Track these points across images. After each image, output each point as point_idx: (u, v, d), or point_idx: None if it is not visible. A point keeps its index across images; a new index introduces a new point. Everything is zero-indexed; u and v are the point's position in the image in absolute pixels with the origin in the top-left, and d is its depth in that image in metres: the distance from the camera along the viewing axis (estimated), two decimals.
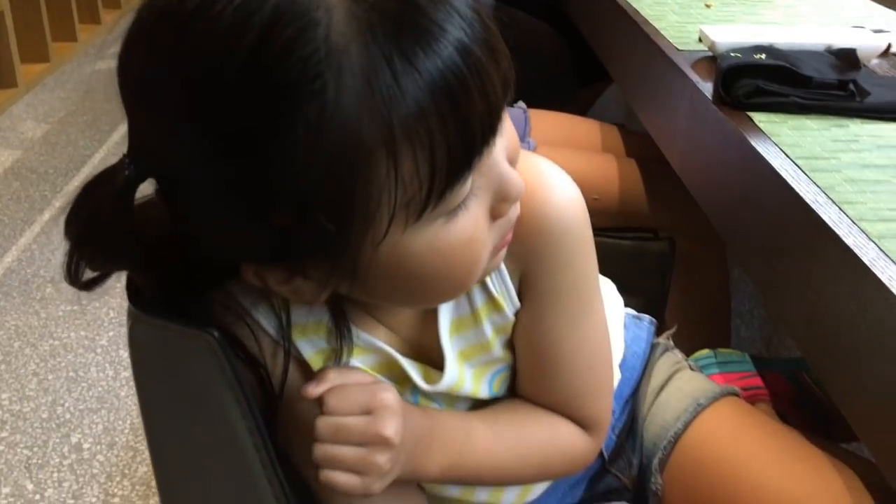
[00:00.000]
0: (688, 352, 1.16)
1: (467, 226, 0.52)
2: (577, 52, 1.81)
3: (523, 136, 1.41)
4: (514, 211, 0.58)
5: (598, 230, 1.27)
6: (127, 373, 1.99)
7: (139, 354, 0.54)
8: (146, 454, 1.71)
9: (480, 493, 0.71)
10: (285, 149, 0.45)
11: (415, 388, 0.66)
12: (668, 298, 1.23)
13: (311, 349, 0.63)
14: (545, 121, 1.50)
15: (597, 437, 0.71)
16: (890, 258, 0.65)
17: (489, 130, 0.49)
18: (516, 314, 0.67)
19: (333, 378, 0.58)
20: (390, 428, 0.57)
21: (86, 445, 1.74)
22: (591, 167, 1.38)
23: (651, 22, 1.28)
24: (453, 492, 0.70)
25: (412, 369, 0.65)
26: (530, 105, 1.50)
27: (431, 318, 0.66)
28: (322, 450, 0.56)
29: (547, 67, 1.88)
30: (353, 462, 0.56)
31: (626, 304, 0.96)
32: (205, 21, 0.45)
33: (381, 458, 0.57)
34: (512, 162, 0.56)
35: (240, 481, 0.55)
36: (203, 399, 0.52)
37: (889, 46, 1.11)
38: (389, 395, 0.59)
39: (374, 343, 0.64)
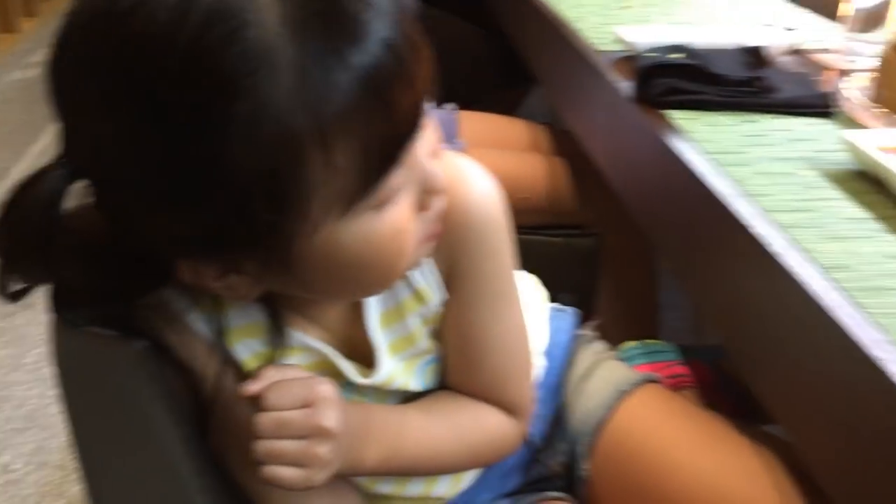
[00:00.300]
0: (618, 343, 1.20)
1: (396, 218, 0.55)
2: (503, 53, 1.84)
3: (453, 137, 1.43)
4: (440, 204, 0.60)
5: (528, 228, 1.29)
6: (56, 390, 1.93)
7: (65, 367, 0.53)
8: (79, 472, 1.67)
9: (413, 487, 0.72)
10: (220, 143, 0.46)
11: (348, 385, 0.67)
12: (598, 292, 1.26)
13: (247, 352, 0.63)
14: (475, 122, 1.52)
15: (522, 422, 0.73)
16: (799, 247, 0.68)
17: (416, 125, 0.52)
18: (444, 304, 0.69)
19: (271, 375, 0.59)
20: (330, 419, 0.58)
21: (16, 466, 1.69)
22: (521, 167, 1.40)
23: (571, 23, 1.31)
24: (386, 488, 0.71)
25: (346, 365, 0.66)
26: (457, 106, 1.52)
27: (360, 313, 0.67)
28: (264, 446, 0.57)
29: (473, 68, 1.90)
30: (295, 455, 0.57)
31: (558, 299, 0.98)
32: (139, 21, 0.46)
33: (323, 449, 0.58)
34: (434, 157, 0.58)
35: (172, 493, 0.55)
36: (133, 410, 0.52)
37: (796, 44, 1.16)
38: (327, 387, 0.60)
39: (307, 342, 0.65)
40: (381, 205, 0.54)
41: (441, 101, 1.47)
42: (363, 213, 0.53)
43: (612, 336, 1.28)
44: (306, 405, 0.58)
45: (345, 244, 0.54)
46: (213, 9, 0.45)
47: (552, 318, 0.89)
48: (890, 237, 0.69)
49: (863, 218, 0.72)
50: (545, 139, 1.53)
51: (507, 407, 0.72)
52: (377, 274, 0.58)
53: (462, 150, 1.38)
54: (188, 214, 0.50)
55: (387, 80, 0.49)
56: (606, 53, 1.16)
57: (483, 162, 1.51)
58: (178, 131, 0.47)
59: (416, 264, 0.63)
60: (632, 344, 1.06)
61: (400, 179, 0.54)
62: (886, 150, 0.79)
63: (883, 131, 0.84)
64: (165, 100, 0.46)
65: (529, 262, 0.82)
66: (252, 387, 0.57)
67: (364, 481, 0.69)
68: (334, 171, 0.49)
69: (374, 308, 0.67)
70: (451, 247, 0.66)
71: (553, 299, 1.05)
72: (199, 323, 0.61)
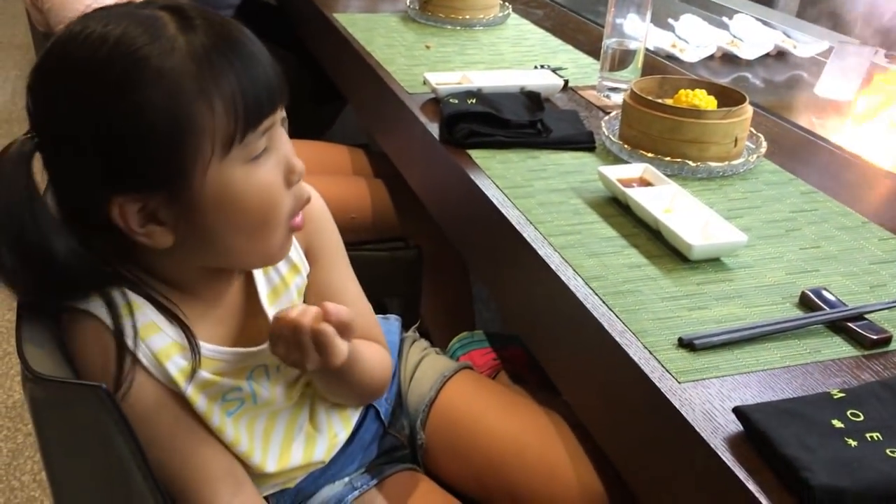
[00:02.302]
0: (443, 337, 1.43)
1: (266, 174, 0.75)
2: (315, 74, 2.02)
3: None
4: (303, 191, 0.80)
5: (357, 245, 1.50)
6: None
7: (38, 412, 0.67)
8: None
9: (296, 454, 0.90)
10: (139, 100, 0.69)
11: (265, 371, 0.85)
12: (421, 296, 1.48)
13: (175, 369, 0.79)
14: (299, 149, 1.69)
15: (388, 355, 0.99)
16: (569, 264, 0.93)
17: (272, 100, 0.74)
18: (308, 276, 0.92)
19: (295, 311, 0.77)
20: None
21: None
22: (346, 190, 1.59)
23: (384, 65, 1.51)
24: (272, 466, 0.87)
25: (257, 355, 0.84)
26: None
27: (253, 296, 0.86)
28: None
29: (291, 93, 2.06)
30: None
31: (388, 306, 1.20)
32: (87, 44, 0.71)
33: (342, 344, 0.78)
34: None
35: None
36: (98, 444, 0.66)
37: (566, 83, 1.44)
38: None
39: (218, 350, 0.82)
40: (255, 160, 0.74)
41: None
42: (241, 164, 0.73)
43: (436, 330, 1.51)
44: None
45: (230, 187, 0.73)
46: (130, 25, 0.72)
47: (382, 325, 1.11)
48: (630, 250, 0.96)
49: (613, 237, 0.98)
50: (363, 162, 1.73)
51: (381, 343, 0.97)
52: (259, 220, 0.76)
53: None
54: (118, 154, 0.70)
55: (252, 64, 0.73)
56: (416, 96, 1.38)
57: (314, 186, 1.70)
58: (106, 96, 0.69)
59: (288, 247, 0.82)
60: (463, 335, 1.29)
61: (268, 146, 0.75)
62: (624, 181, 1.06)
63: (624, 166, 1.10)
64: (97, 82, 0.70)
65: (360, 274, 1.01)
66: (291, 314, 0.76)
67: (254, 463, 0.87)
68: (216, 119, 0.70)
69: (263, 287, 0.87)
70: (308, 232, 0.90)
71: (383, 305, 1.26)
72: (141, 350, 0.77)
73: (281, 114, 0.77)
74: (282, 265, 0.90)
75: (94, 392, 0.63)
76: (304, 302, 0.93)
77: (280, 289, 0.89)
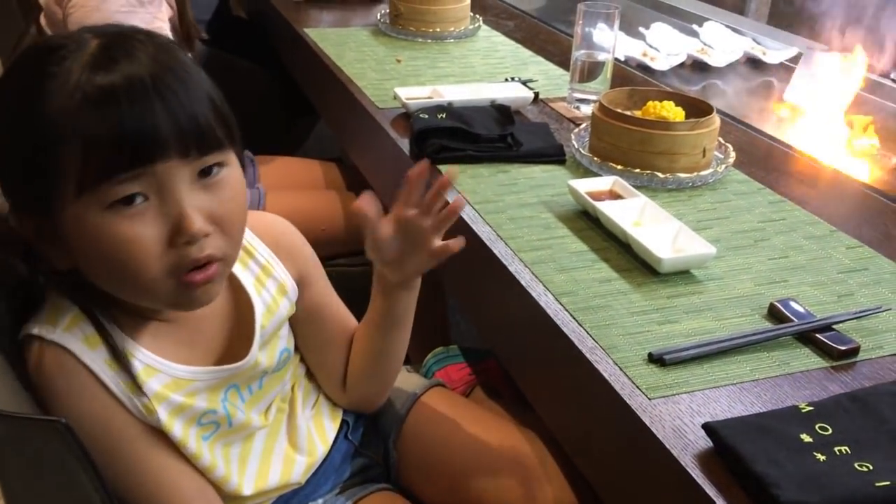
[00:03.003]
0: (415, 353, 1.42)
1: (130, 230, 0.70)
2: (287, 88, 2.01)
3: (252, 183, 1.58)
4: (195, 252, 0.72)
5: (329, 259, 1.49)
6: None
7: None
8: None
9: (273, 475, 0.89)
10: (18, 115, 0.71)
11: (237, 392, 0.85)
12: None
13: (149, 394, 0.78)
14: (271, 166, 1.68)
15: None
16: (539, 280, 0.92)
17: (156, 152, 0.69)
18: (302, 300, 0.93)
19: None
20: None
21: None
22: (317, 204, 1.59)
23: (354, 80, 1.51)
24: (249, 489, 0.87)
25: (233, 371, 0.84)
26: (252, 144, 1.67)
27: (245, 314, 0.86)
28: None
29: (260, 107, 2.06)
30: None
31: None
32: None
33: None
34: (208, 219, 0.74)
35: None
36: (60, 478, 0.65)
37: (537, 95, 1.44)
38: None
39: (190, 370, 0.81)
40: (118, 210, 0.69)
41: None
42: (101, 210, 0.69)
43: (414, 346, 1.50)
44: None
45: (86, 231, 0.70)
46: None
47: None
48: (601, 265, 0.96)
49: (583, 251, 0.98)
50: (335, 176, 1.72)
51: None
52: (120, 274, 0.72)
53: (262, 195, 1.55)
54: (4, 169, 0.73)
55: (123, 103, 0.68)
56: (387, 111, 1.38)
57: (283, 203, 1.69)
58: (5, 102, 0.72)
59: (197, 298, 0.75)
60: (439, 350, 1.28)
61: (129, 190, 0.69)
62: (594, 194, 1.06)
63: (593, 179, 1.10)
64: None
65: (336, 289, 1.01)
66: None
67: (230, 488, 0.86)
68: (67, 157, 0.68)
69: (259, 307, 0.87)
70: (297, 260, 0.93)
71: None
72: (104, 373, 0.75)
73: (188, 167, 0.71)
74: (270, 284, 0.89)
75: (53, 427, 0.62)
76: (297, 323, 0.94)
77: (273, 307, 0.89)
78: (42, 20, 1.46)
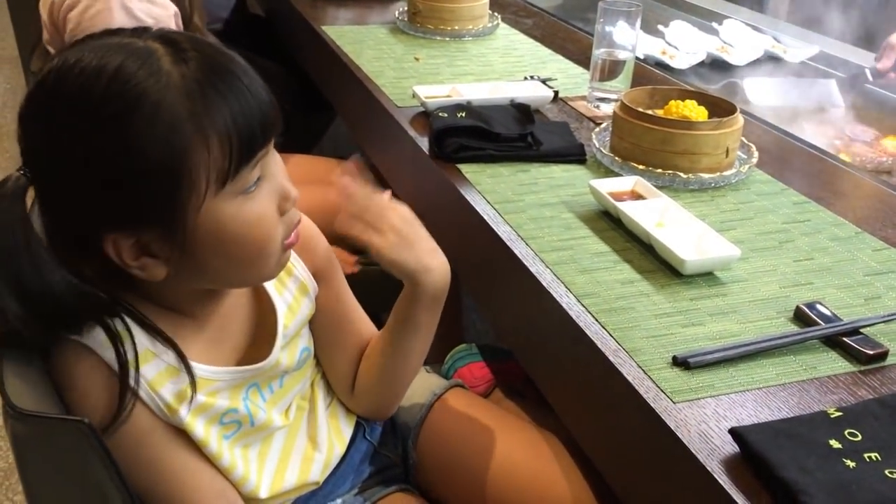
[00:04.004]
0: (432, 352, 1.41)
1: (259, 207, 0.75)
2: (304, 86, 2.01)
3: None
4: (295, 215, 0.80)
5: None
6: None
7: (20, 448, 0.66)
8: None
9: (290, 475, 0.89)
10: (134, 141, 0.69)
11: (258, 391, 0.85)
12: None
13: (170, 395, 0.78)
14: (289, 164, 1.68)
15: None
16: (561, 280, 0.92)
17: (266, 131, 0.74)
18: (317, 297, 0.93)
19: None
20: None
21: None
22: (335, 199, 1.58)
23: (372, 79, 1.50)
24: (265, 492, 0.87)
25: (255, 372, 0.84)
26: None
27: (268, 314, 0.86)
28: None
29: (279, 104, 2.05)
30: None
31: (381, 320, 1.18)
32: (83, 77, 0.69)
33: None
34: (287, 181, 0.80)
35: None
36: (81, 477, 0.65)
37: (556, 94, 1.43)
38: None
39: (212, 370, 0.81)
40: (247, 194, 0.74)
41: None
42: (235, 198, 0.73)
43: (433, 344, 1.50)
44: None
45: (223, 221, 0.73)
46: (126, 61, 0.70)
47: None
48: (623, 266, 0.95)
49: (605, 252, 0.97)
50: (358, 172, 1.72)
51: None
52: (253, 252, 0.76)
53: None
54: (112, 191, 0.70)
55: (245, 100, 0.72)
56: (405, 110, 1.37)
57: (307, 198, 1.70)
58: (106, 135, 0.69)
59: (284, 263, 0.82)
60: (451, 354, 1.27)
61: (261, 178, 0.75)
62: (615, 195, 1.05)
63: (615, 179, 1.10)
64: (96, 119, 0.69)
65: (354, 289, 1.01)
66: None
67: (248, 489, 0.86)
68: (211, 156, 0.70)
69: (281, 307, 0.87)
70: (314, 257, 0.93)
71: (375, 320, 1.24)
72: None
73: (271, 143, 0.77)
74: (291, 284, 0.90)
75: (77, 427, 0.62)
76: (318, 323, 0.95)
77: (294, 307, 0.90)
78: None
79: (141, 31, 0.74)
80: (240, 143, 0.71)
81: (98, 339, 0.74)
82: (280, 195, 0.77)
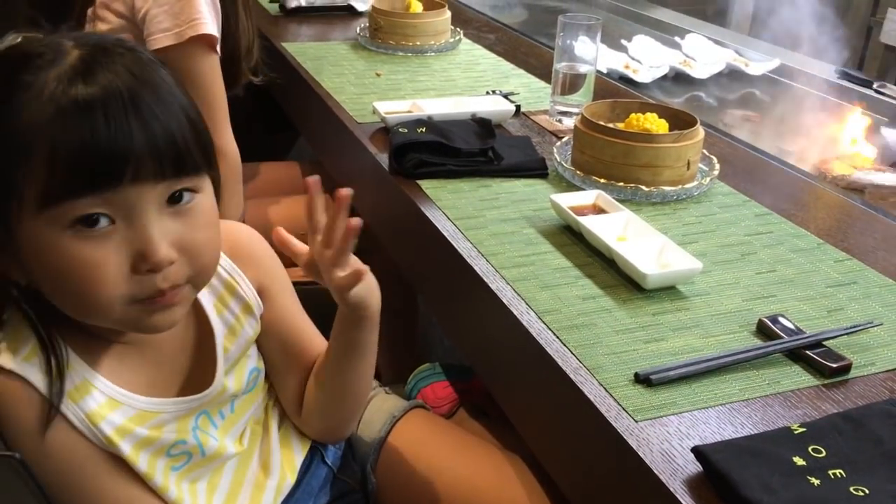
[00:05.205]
0: (390, 372, 1.38)
1: (91, 253, 0.66)
2: (270, 103, 1.98)
3: None
4: (160, 281, 0.69)
5: (303, 283, 1.44)
6: None
7: None
8: None
9: (243, 499, 0.86)
10: None
11: (209, 419, 0.82)
12: None
13: (110, 428, 0.74)
14: (252, 173, 1.65)
15: None
16: (522, 297, 0.90)
17: (127, 171, 0.65)
18: (262, 316, 0.87)
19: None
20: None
21: None
22: (297, 208, 1.56)
23: (333, 95, 1.48)
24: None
25: (202, 401, 0.80)
26: None
27: (206, 337, 0.82)
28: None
29: (244, 121, 2.03)
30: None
31: None
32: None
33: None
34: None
35: None
36: None
37: (518, 108, 1.42)
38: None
39: (155, 402, 0.77)
40: (80, 232, 0.66)
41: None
42: (61, 229, 0.65)
43: (383, 366, 1.47)
44: None
45: (45, 250, 0.66)
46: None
47: None
48: (585, 281, 0.93)
49: (566, 267, 0.96)
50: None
51: None
52: (76, 295, 0.68)
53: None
54: None
55: (95, 121, 0.64)
56: (365, 126, 1.35)
57: (262, 211, 1.65)
58: None
59: (159, 322, 0.72)
60: (414, 374, 1.25)
61: (98, 211, 0.66)
62: (577, 209, 1.04)
63: (576, 193, 1.08)
64: None
65: (308, 310, 0.95)
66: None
67: None
68: (31, 169, 0.64)
69: (219, 329, 0.82)
70: (258, 271, 0.87)
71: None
72: (64, 405, 0.71)
73: (159, 190, 0.68)
74: (233, 304, 0.85)
75: (7, 462, 0.58)
76: (264, 342, 0.89)
77: (236, 328, 0.85)
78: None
79: (82, 38, 0.70)
80: (74, 172, 0.64)
81: (33, 369, 0.71)
82: (137, 251, 0.67)
